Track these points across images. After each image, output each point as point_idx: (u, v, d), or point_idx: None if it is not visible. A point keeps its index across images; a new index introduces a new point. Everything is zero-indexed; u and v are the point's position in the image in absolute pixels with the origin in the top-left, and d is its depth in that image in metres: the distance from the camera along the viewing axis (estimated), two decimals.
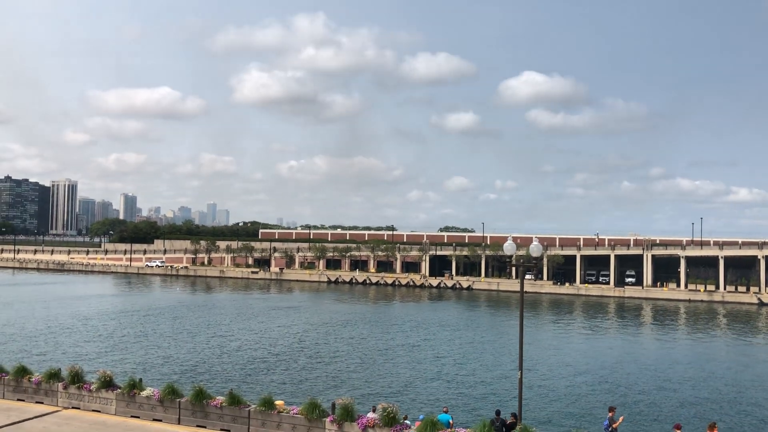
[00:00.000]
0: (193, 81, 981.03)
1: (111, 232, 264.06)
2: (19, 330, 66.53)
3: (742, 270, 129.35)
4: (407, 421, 24.02)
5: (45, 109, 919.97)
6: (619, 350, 65.74)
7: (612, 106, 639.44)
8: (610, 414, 24.03)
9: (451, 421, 24.29)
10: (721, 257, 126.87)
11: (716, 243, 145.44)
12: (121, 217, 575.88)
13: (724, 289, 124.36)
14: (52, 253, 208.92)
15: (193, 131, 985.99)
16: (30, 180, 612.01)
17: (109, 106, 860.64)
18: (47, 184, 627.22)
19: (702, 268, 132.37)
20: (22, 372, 29.87)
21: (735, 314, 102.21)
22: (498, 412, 24.93)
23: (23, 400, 29.26)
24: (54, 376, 29.21)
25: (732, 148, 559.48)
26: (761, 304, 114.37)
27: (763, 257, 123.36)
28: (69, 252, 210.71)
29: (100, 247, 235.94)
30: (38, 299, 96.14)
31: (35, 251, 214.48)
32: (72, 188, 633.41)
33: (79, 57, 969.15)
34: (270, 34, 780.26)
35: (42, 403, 28.89)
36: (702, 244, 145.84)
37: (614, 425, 23.35)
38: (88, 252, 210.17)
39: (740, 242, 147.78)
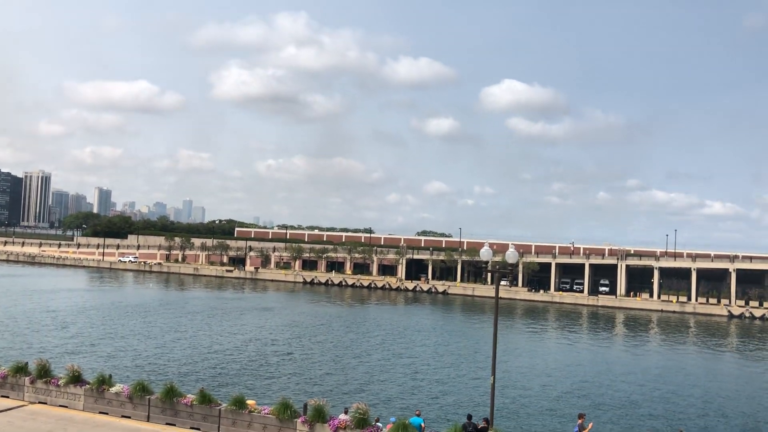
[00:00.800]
0: (171, 76, 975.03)
1: (84, 225, 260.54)
2: None
3: (714, 282, 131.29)
4: (379, 424, 23.95)
5: (19, 99, 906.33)
6: (591, 358, 66.28)
7: (590, 117, 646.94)
8: (580, 420, 24.17)
9: (423, 424, 24.26)
10: (694, 269, 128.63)
11: (689, 255, 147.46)
12: (95, 210, 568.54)
13: (696, 300, 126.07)
14: (23, 245, 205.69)
15: (170, 126, 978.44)
16: (2, 170, 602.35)
17: (85, 98, 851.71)
18: (20, 174, 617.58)
19: (675, 280, 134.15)
20: None
21: (705, 326, 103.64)
22: (470, 417, 24.96)
23: None
24: (21, 369, 28.68)
25: (707, 162, 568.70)
26: (731, 316, 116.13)
27: (734, 270, 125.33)
28: (40, 244, 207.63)
29: (72, 240, 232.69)
30: (6, 292, 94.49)
31: (5, 243, 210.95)
32: (45, 180, 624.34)
33: (55, 48, 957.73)
34: (251, 31, 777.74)
35: (7, 397, 28.33)
36: (675, 255, 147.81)
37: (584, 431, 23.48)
38: (60, 245, 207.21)
39: (713, 255, 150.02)
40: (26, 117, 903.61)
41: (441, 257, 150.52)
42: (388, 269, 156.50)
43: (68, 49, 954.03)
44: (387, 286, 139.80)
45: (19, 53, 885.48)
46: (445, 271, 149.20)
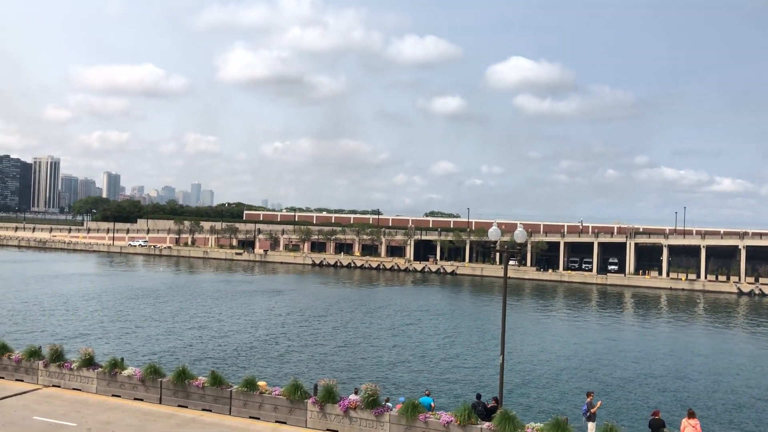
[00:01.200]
0: (176, 59, 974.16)
1: (94, 210, 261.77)
2: None
3: (723, 259, 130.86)
4: (389, 404, 24.17)
5: (25, 85, 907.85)
6: (600, 337, 66.38)
7: (599, 94, 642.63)
8: (589, 399, 24.27)
9: (432, 404, 24.45)
10: (703, 246, 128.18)
11: (698, 232, 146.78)
12: (104, 195, 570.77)
13: (705, 278, 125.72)
14: (33, 231, 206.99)
15: (176, 110, 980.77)
16: (11, 156, 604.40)
17: (91, 83, 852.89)
18: (29, 160, 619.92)
19: (684, 257, 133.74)
20: (3, 349, 29.67)
21: (715, 303, 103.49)
22: (479, 396, 25.13)
23: (3, 378, 29.11)
24: (34, 354, 29.05)
25: (716, 139, 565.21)
26: (740, 293, 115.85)
27: (743, 247, 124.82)
28: (51, 230, 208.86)
29: (82, 225, 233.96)
30: (18, 277, 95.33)
31: (16, 228, 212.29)
32: (54, 165, 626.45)
33: (60, 33, 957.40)
34: (255, 12, 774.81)
35: (22, 381, 28.73)
36: (685, 233, 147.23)
37: (592, 410, 23.60)
38: (70, 230, 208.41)
39: (722, 232, 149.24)
40: (33, 103, 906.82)
41: (449, 238, 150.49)
42: (396, 250, 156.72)
43: (73, 34, 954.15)
44: (395, 267, 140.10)
45: (24, 39, 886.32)
46: (454, 252, 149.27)
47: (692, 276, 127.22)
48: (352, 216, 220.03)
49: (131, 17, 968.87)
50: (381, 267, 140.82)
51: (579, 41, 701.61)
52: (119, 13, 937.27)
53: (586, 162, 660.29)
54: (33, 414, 24.49)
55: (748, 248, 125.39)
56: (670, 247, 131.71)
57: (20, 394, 26.98)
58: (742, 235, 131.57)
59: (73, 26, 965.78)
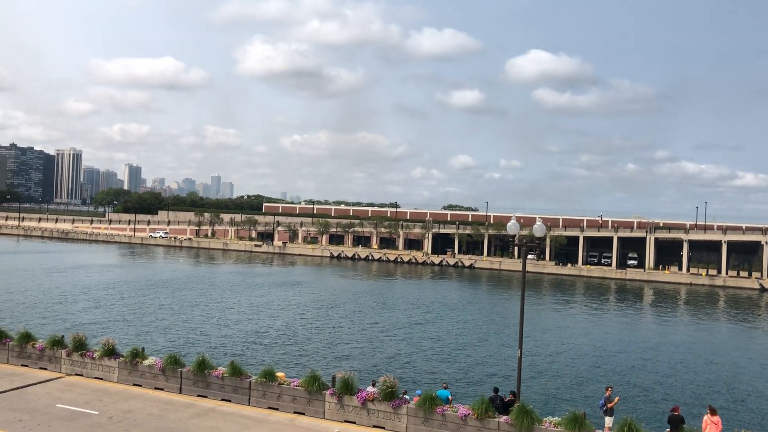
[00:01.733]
0: (196, 52, 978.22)
1: (115, 202, 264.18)
2: (22, 297, 67.01)
3: (745, 255, 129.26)
4: (406, 396, 24.26)
5: (47, 78, 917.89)
6: (619, 332, 66.01)
7: (618, 87, 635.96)
8: (607, 393, 24.19)
9: (450, 397, 24.49)
10: (725, 242, 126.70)
11: (720, 227, 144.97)
12: (126, 187, 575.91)
13: (726, 273, 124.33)
14: (56, 222, 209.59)
15: (196, 102, 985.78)
16: (35, 148, 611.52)
17: (112, 76, 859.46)
18: (52, 152, 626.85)
19: (705, 252, 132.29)
20: (27, 338, 30.16)
21: (736, 299, 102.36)
22: (496, 390, 25.12)
23: (27, 366, 29.59)
24: (57, 343, 29.50)
25: (738, 132, 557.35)
26: (763, 289, 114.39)
27: (766, 242, 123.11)
28: (73, 221, 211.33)
29: (104, 216, 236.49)
30: (42, 267, 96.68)
31: (39, 219, 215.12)
32: (77, 157, 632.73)
33: (80, 25, 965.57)
34: (274, 5, 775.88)
35: (45, 369, 29.20)
36: (705, 228, 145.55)
37: (610, 405, 23.51)
38: (92, 221, 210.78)
39: (744, 227, 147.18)
40: (55, 95, 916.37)
41: (467, 231, 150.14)
42: (414, 243, 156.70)
43: (93, 27, 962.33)
44: (413, 261, 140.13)
45: (45, 32, 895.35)
46: (472, 245, 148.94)
47: (713, 271, 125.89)
48: (370, 209, 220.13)
49: (151, 10, 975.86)
50: (399, 260, 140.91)
51: (598, 34, 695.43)
52: (139, 5, 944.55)
53: (606, 156, 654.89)
54: (56, 402, 24.91)
55: None
56: (691, 242, 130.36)
57: (44, 382, 27.44)
58: (765, 231, 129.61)
59: (93, 19, 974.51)
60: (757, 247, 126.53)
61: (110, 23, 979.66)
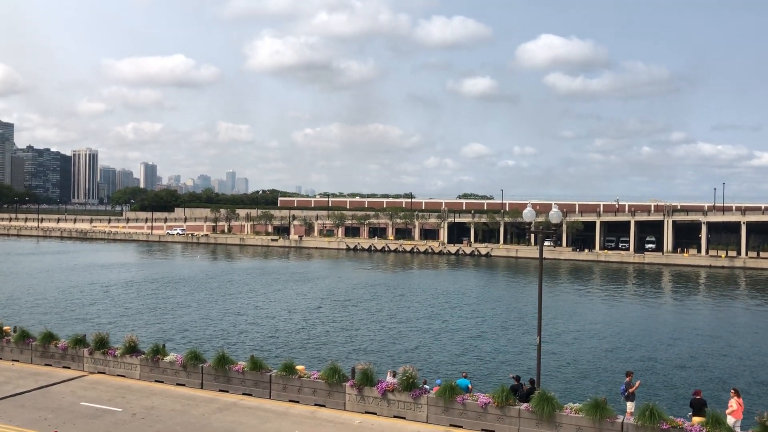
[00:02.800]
0: (206, 49, 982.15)
1: (132, 200, 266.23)
2: (43, 297, 67.78)
3: (765, 236, 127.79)
4: (426, 386, 24.31)
5: (60, 79, 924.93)
6: (638, 316, 65.66)
7: (632, 69, 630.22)
8: (627, 378, 24.08)
9: (470, 386, 24.51)
10: (743, 223, 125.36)
11: (738, 208, 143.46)
12: (142, 185, 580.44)
13: (746, 255, 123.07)
14: (74, 222, 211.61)
15: (207, 99, 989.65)
16: (51, 149, 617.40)
17: (123, 75, 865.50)
18: (68, 153, 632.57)
19: (723, 234, 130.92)
20: (49, 338, 30.52)
21: (757, 280, 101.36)
22: (517, 378, 25.10)
23: (50, 365, 29.96)
24: (80, 341, 29.84)
25: (755, 112, 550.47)
26: None
27: None
28: (91, 220, 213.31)
29: (121, 215, 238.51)
30: (61, 267, 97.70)
31: (58, 220, 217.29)
32: (93, 157, 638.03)
33: (90, 26, 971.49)
34: None
35: (69, 368, 29.55)
36: (724, 209, 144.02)
37: (631, 390, 23.41)
38: (110, 220, 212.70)
39: (763, 207, 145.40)
40: (68, 96, 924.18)
41: (483, 219, 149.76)
42: (430, 233, 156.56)
43: (103, 27, 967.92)
44: (429, 251, 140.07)
45: (55, 34, 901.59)
46: (488, 234, 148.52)
47: (732, 253, 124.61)
48: (385, 200, 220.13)
49: (159, 8, 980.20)
50: (415, 250, 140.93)
51: (610, 16, 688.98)
52: (148, 4, 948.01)
53: (621, 140, 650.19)
54: (80, 400, 25.23)
55: None
56: (709, 224, 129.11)
57: (67, 380, 27.79)
58: None
59: (103, 19, 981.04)
60: None
61: (120, 23, 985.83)
